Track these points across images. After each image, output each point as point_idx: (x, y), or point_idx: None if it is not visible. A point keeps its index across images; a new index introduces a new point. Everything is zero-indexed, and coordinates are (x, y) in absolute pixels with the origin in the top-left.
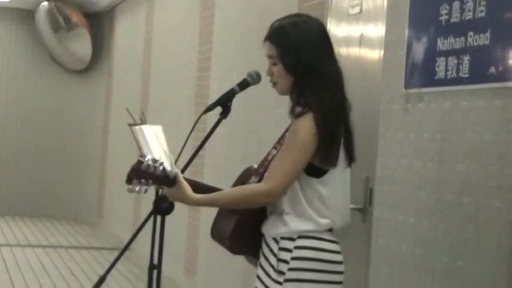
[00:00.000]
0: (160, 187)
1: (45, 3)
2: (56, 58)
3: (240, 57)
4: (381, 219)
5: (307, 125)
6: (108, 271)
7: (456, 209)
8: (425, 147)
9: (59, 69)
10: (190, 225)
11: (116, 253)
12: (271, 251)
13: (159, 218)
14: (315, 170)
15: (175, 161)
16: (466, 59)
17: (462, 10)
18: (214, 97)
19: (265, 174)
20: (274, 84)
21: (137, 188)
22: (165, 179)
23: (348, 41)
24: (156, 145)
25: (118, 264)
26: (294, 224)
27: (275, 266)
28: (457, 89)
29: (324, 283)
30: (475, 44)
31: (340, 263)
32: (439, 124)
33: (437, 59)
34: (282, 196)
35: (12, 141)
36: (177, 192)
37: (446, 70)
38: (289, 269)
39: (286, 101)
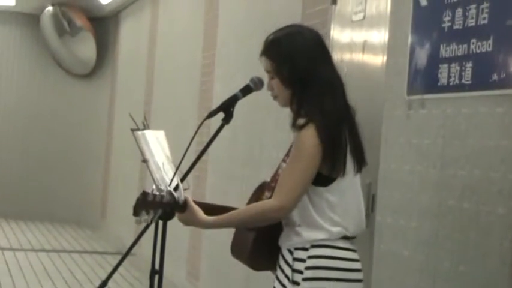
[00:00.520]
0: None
1: (50, 8)
2: (60, 62)
3: (244, 61)
4: (383, 224)
5: (310, 136)
6: (110, 275)
7: (458, 214)
8: (428, 152)
9: (64, 73)
10: (193, 230)
11: (118, 258)
12: (286, 262)
13: (160, 223)
14: (323, 178)
15: (178, 166)
16: (469, 65)
17: (465, 17)
18: (218, 100)
19: (275, 190)
20: (275, 97)
21: (144, 218)
22: (175, 205)
23: (351, 47)
24: (159, 151)
25: (120, 269)
26: (306, 234)
27: (290, 277)
28: (459, 96)
29: None
30: (478, 51)
31: (357, 270)
32: (441, 130)
33: (440, 65)
34: (292, 209)
35: (16, 145)
36: (189, 217)
37: (449, 77)
38: (304, 279)
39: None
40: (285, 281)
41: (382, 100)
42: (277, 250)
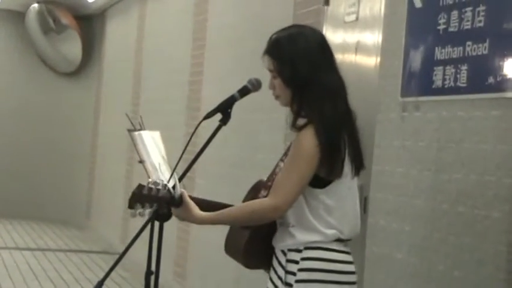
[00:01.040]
0: (165, 208)
1: (36, 5)
2: (45, 60)
3: (233, 62)
4: (376, 226)
5: (309, 137)
6: (104, 278)
7: (453, 218)
8: (422, 155)
9: (49, 71)
10: (180, 230)
11: (104, 257)
12: (280, 263)
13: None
14: (320, 180)
15: (175, 167)
16: (464, 68)
17: (461, 20)
18: (206, 101)
19: (271, 189)
20: (277, 97)
21: (139, 212)
22: (170, 200)
23: (343, 48)
24: (155, 151)
25: (106, 268)
26: (300, 235)
27: (283, 278)
28: (454, 99)
29: None
30: (474, 53)
31: (351, 273)
32: (436, 133)
33: (435, 68)
34: (287, 210)
35: (1, 143)
36: (184, 212)
37: (444, 79)
38: (297, 281)
39: (279, 106)
40: (278, 282)
41: (375, 102)
42: (271, 249)
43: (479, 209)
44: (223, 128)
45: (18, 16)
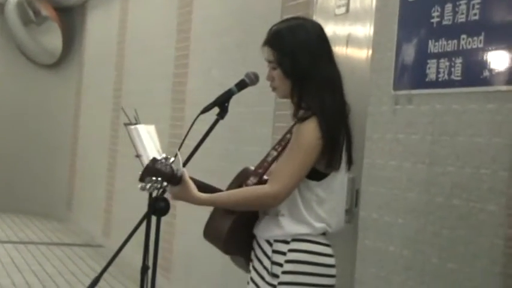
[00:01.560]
0: (165, 186)
1: None
2: (25, 52)
3: (219, 54)
4: (368, 219)
5: (312, 129)
6: (101, 273)
7: (447, 210)
8: (415, 148)
9: (29, 63)
10: (165, 223)
11: (87, 249)
12: (265, 253)
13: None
14: (317, 173)
15: (180, 147)
16: (459, 61)
17: (455, 13)
18: (191, 94)
19: (270, 177)
20: (274, 89)
21: (148, 186)
22: (171, 177)
23: (334, 41)
24: (151, 144)
25: (89, 261)
26: (289, 226)
27: (269, 269)
28: (448, 92)
29: (317, 286)
30: (468, 47)
31: (333, 266)
32: (429, 126)
33: (429, 61)
34: (285, 199)
35: None
36: (182, 191)
37: (438, 72)
38: (283, 272)
39: (267, 99)
40: (264, 273)
41: (366, 95)
42: (251, 237)
43: (474, 202)
44: (211, 122)
45: None
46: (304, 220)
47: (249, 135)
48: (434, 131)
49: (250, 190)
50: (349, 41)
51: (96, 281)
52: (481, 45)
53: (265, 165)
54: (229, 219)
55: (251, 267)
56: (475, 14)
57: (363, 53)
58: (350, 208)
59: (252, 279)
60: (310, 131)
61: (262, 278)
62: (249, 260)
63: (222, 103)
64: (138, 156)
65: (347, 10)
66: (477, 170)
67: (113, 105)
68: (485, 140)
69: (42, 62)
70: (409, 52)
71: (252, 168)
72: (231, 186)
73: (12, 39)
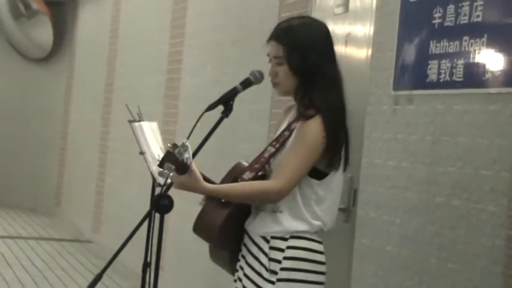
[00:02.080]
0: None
1: None
2: (15, 46)
3: (213, 51)
4: (365, 219)
5: (316, 127)
6: (102, 272)
7: (447, 211)
8: (415, 148)
9: (19, 57)
10: (157, 219)
11: (76, 245)
12: (261, 250)
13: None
14: (317, 172)
15: (188, 136)
16: (461, 63)
17: (457, 14)
18: (186, 90)
19: (274, 173)
20: (276, 84)
21: (165, 173)
22: (180, 165)
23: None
24: (154, 142)
25: (78, 256)
26: (288, 223)
27: (267, 266)
28: (450, 93)
29: (312, 283)
30: (471, 48)
31: (324, 263)
32: (430, 126)
33: (430, 61)
34: (287, 195)
35: None
36: (190, 180)
37: (439, 73)
38: (282, 269)
39: (264, 97)
40: (262, 270)
41: (365, 94)
42: (241, 233)
43: (475, 203)
44: (206, 118)
45: None
46: (303, 217)
47: (245, 133)
48: (435, 131)
49: (256, 184)
50: (348, 40)
51: (97, 279)
52: (483, 47)
53: (262, 161)
54: (223, 213)
55: (243, 263)
56: (477, 16)
57: (362, 53)
58: (347, 207)
59: (245, 275)
60: (315, 130)
61: (260, 274)
62: (234, 255)
63: (226, 101)
64: (142, 153)
65: (346, 10)
66: (478, 170)
67: (103, 101)
68: (487, 141)
69: (33, 56)
70: (410, 52)
71: (245, 163)
72: (224, 181)
73: (2, 32)
